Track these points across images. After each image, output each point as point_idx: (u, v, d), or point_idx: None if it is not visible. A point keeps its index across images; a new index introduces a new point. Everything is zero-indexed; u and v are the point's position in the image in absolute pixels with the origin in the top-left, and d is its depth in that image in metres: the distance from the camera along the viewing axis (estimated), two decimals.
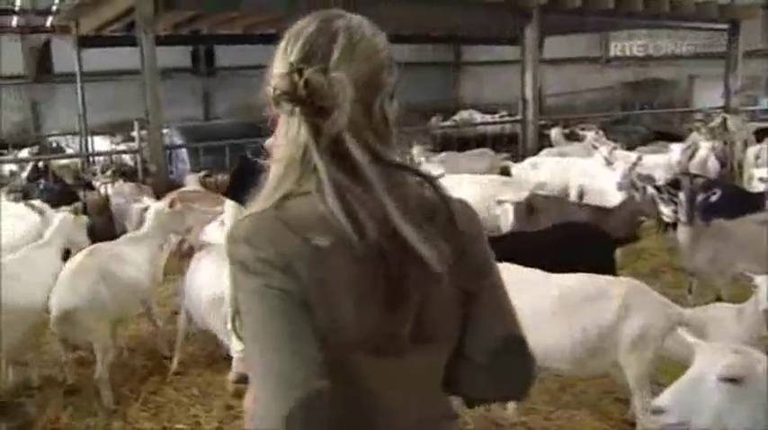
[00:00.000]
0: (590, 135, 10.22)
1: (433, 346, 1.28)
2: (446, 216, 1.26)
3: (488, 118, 16.24)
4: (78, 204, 6.14)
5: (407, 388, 1.28)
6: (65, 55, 14.99)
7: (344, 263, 1.17)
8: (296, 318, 1.14)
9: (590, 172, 7.70)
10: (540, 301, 3.85)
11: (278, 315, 1.14)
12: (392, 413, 1.26)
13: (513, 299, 3.52)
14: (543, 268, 4.08)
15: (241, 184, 3.31)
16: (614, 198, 6.43)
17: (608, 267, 4.67)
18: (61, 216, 5.42)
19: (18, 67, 16.91)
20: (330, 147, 1.20)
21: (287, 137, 1.24)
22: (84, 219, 5.82)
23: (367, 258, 1.17)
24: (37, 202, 6.32)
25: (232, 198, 4.01)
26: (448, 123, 14.36)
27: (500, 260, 3.92)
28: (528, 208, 6.10)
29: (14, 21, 16.12)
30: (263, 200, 1.24)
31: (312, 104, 1.19)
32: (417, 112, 14.70)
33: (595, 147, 8.04)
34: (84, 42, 11.91)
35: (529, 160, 8.95)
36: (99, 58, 13.38)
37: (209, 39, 14.65)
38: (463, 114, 16.21)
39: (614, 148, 8.22)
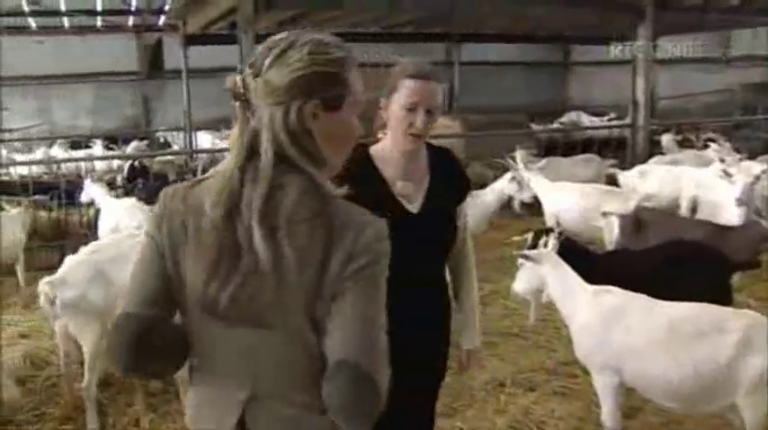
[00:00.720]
0: (713, 146, 9.40)
1: (261, 330, 1.40)
2: (324, 227, 1.37)
3: (597, 120, 15.55)
4: None
5: (242, 361, 1.44)
6: (174, 52, 15.49)
7: (194, 231, 1.41)
8: (152, 261, 1.47)
9: (705, 183, 7.08)
10: (646, 331, 3.49)
11: (144, 254, 1.49)
12: (225, 378, 1.46)
13: (615, 327, 3.15)
14: (649, 291, 3.71)
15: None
16: (731, 214, 5.88)
17: (723, 294, 4.20)
18: None
19: (132, 64, 17.64)
20: (251, 140, 1.40)
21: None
22: None
23: (209, 233, 1.39)
24: None
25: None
26: (554, 126, 13.77)
27: (601, 281, 3.60)
28: (635, 221, 5.64)
29: (131, 20, 16.76)
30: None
31: (246, 102, 1.41)
32: (525, 113, 14.22)
33: (722, 161, 7.30)
34: (191, 40, 12.19)
35: (637, 168, 8.35)
36: (206, 56, 13.71)
37: None
38: (571, 116, 15.55)
39: (740, 160, 7.54)
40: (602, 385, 3.64)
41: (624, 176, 8.19)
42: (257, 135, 1.39)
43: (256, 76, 1.40)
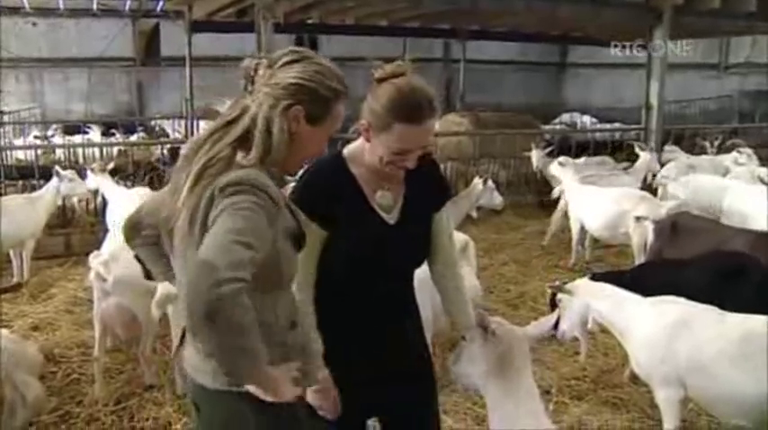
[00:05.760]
0: (734, 153, 9.29)
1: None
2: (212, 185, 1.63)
3: (596, 122, 15.54)
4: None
5: None
6: (171, 39, 15.18)
7: None
8: None
9: (732, 190, 6.95)
10: (716, 344, 3.33)
11: None
12: None
13: (681, 339, 3.33)
14: None
15: None
16: (760, 223, 5.75)
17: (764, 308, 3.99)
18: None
19: (127, 50, 17.30)
20: (241, 112, 1.71)
21: None
22: None
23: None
24: None
25: None
26: (558, 127, 13.66)
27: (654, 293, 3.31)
28: (672, 227, 5.48)
29: (127, 4, 16.40)
30: None
31: (251, 83, 1.73)
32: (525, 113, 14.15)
33: (765, 183, 7.08)
34: (195, 27, 11.89)
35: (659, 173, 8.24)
36: (201, 44, 13.35)
37: (315, 28, 14.43)
38: (573, 116, 15.48)
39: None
40: (666, 399, 3.48)
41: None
42: (246, 109, 1.70)
43: (269, 67, 1.72)
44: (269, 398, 1.59)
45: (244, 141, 1.68)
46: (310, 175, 2.20)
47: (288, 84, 1.69)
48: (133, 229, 1.92)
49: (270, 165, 1.69)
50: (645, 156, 8.57)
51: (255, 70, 1.71)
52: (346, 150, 2.21)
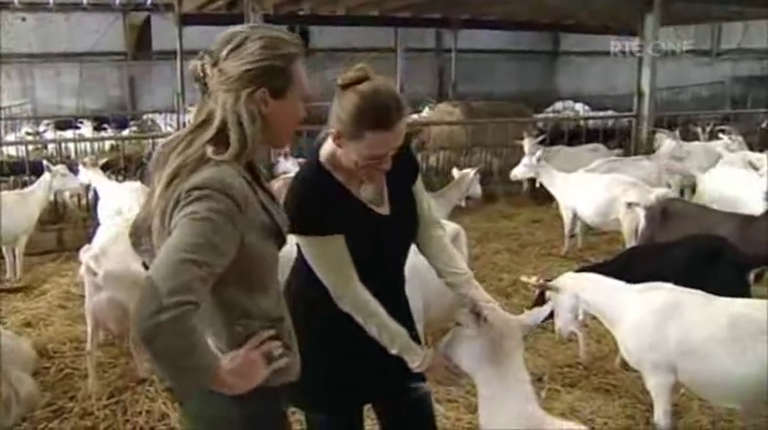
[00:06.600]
0: (724, 139, 9.32)
1: None
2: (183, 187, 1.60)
3: (588, 109, 15.54)
4: None
5: None
6: (162, 33, 15.11)
7: None
8: None
9: (722, 177, 6.97)
10: (704, 328, 3.35)
11: None
12: None
13: (670, 324, 3.29)
14: None
15: None
16: (750, 209, 5.77)
17: (740, 292, 3.88)
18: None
19: (118, 44, 17.21)
20: (207, 117, 1.65)
21: None
22: None
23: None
24: None
25: None
26: (551, 115, 13.65)
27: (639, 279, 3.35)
28: (662, 213, 5.51)
29: None
30: None
31: (205, 86, 1.67)
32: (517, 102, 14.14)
33: (755, 168, 7.08)
34: (186, 20, 11.85)
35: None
36: (192, 37, 13.29)
37: (305, 19, 14.35)
38: (566, 104, 15.47)
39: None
40: (656, 385, 3.49)
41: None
42: (212, 113, 1.64)
43: (214, 64, 1.65)
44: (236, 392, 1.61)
45: (219, 140, 1.64)
46: (298, 193, 2.14)
47: (240, 73, 1.63)
48: (134, 236, 1.85)
49: (248, 156, 1.68)
50: (668, 143, 8.45)
51: (203, 72, 1.66)
52: (323, 157, 2.16)
